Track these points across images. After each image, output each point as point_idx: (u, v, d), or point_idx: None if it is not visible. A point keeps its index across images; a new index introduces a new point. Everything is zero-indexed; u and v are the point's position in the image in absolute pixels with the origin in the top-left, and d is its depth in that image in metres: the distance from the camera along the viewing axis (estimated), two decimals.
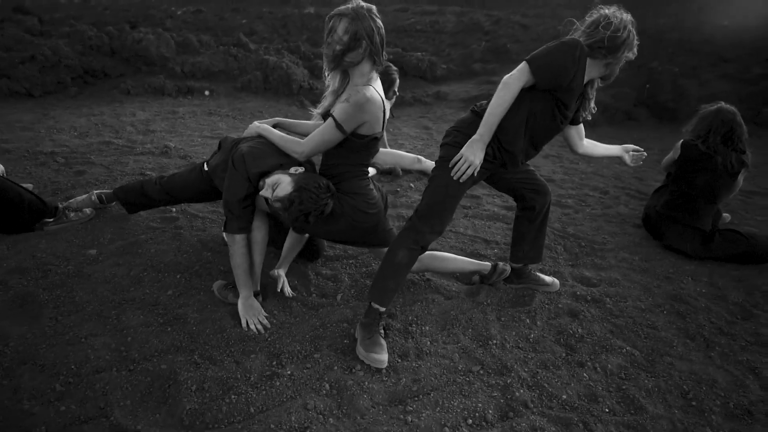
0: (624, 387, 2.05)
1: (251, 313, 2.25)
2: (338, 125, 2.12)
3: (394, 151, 4.24)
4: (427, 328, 2.33)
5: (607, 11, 2.09)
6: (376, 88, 2.15)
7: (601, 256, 3.16)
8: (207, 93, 6.27)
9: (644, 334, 2.41)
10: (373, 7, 2.11)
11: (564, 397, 1.98)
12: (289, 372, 2.00)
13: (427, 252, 2.66)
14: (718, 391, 2.08)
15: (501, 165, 2.30)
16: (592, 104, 2.31)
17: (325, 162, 2.32)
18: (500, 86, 2.05)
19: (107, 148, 4.32)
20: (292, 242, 2.60)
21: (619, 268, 3.02)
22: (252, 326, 2.21)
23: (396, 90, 4.01)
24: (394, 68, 4.00)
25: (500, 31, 9.67)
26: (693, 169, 3.20)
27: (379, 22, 2.12)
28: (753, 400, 2.03)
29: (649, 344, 2.34)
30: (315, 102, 6.36)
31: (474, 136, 2.08)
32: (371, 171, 4.05)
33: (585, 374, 2.11)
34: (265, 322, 2.25)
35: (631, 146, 2.57)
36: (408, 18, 10.86)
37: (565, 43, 2.04)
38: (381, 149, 4.20)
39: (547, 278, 2.72)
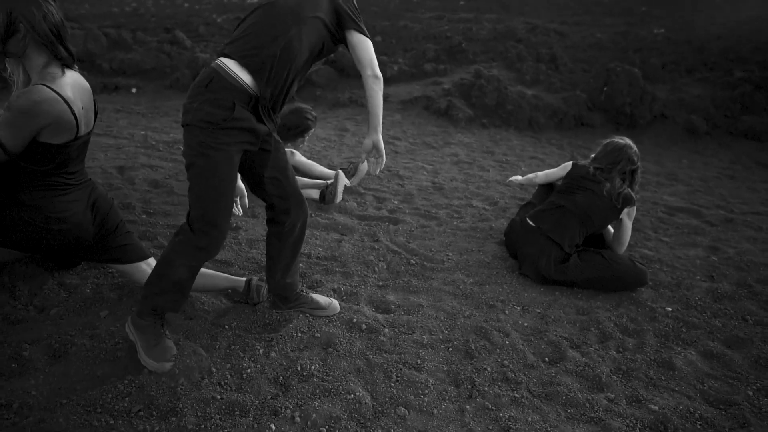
0: None
1: None
2: None
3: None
4: None
5: None
6: (55, 87, 1.78)
7: (427, 276, 2.69)
8: (134, 90, 6.09)
9: (399, 376, 1.94)
10: None
11: None
12: None
13: None
14: None
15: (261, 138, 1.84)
16: None
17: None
18: (376, 81, 1.89)
19: None
20: None
21: (438, 293, 2.55)
22: None
23: (306, 139, 3.62)
24: (312, 114, 3.56)
25: (534, 38, 9.23)
26: (577, 187, 2.85)
27: (50, 6, 1.77)
28: None
29: (393, 390, 1.87)
30: None
31: (375, 135, 1.97)
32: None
33: (273, 425, 1.68)
34: None
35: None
36: (442, 26, 10.52)
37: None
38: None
39: (324, 300, 2.29)
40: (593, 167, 2.86)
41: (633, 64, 6.71)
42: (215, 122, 1.72)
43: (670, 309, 2.56)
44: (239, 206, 2.27)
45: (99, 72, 6.13)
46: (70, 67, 1.90)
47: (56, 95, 1.80)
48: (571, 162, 3.03)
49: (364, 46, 1.86)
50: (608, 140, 2.97)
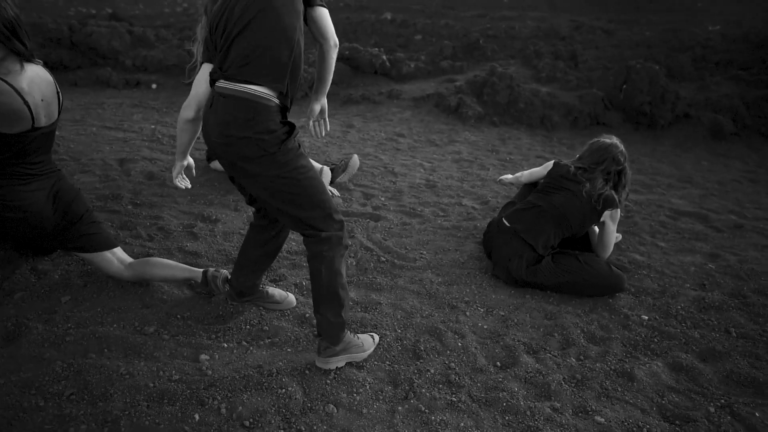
0: None
1: None
2: None
3: None
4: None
5: None
6: (8, 79, 1.84)
7: (396, 274, 2.65)
8: (154, 86, 6.28)
9: (337, 373, 1.92)
10: None
11: None
12: None
13: (141, 259, 2.34)
14: None
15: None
16: None
17: None
18: (335, 50, 1.93)
19: None
20: None
21: (401, 291, 2.50)
22: None
23: None
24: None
25: (578, 37, 8.94)
26: (556, 186, 2.75)
27: (3, 1, 1.84)
28: None
29: (328, 387, 1.85)
30: None
31: (324, 99, 2.06)
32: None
33: (197, 415, 1.69)
34: None
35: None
36: (484, 24, 10.38)
37: None
38: None
39: (279, 294, 2.29)
40: (575, 167, 2.74)
41: (658, 62, 6.39)
42: (282, 140, 1.76)
43: (646, 317, 2.42)
44: (186, 178, 2.23)
45: (122, 68, 6.36)
46: (29, 60, 1.97)
47: (8, 86, 1.86)
48: (553, 162, 2.92)
49: (328, 18, 1.87)
50: (594, 139, 2.85)
